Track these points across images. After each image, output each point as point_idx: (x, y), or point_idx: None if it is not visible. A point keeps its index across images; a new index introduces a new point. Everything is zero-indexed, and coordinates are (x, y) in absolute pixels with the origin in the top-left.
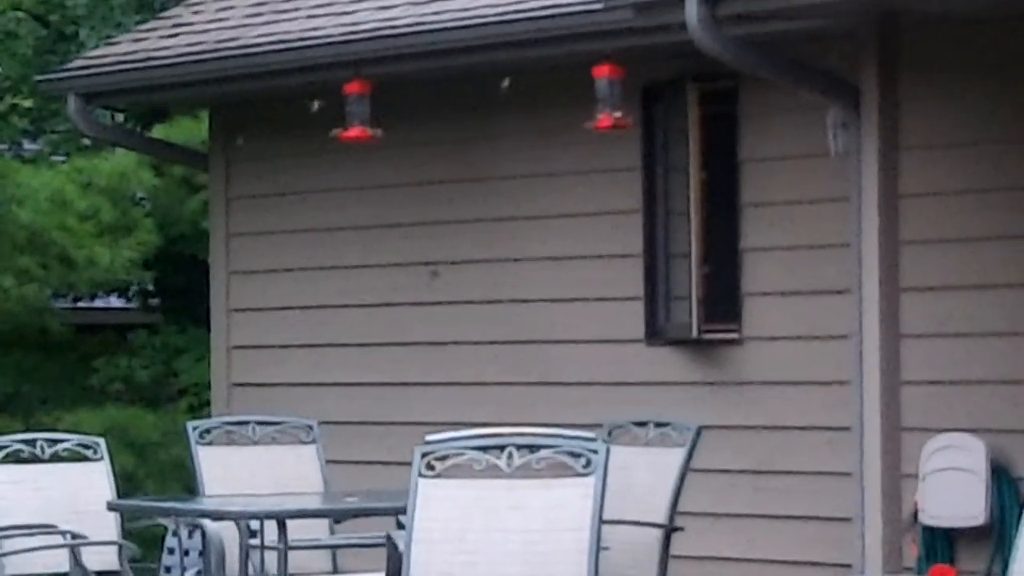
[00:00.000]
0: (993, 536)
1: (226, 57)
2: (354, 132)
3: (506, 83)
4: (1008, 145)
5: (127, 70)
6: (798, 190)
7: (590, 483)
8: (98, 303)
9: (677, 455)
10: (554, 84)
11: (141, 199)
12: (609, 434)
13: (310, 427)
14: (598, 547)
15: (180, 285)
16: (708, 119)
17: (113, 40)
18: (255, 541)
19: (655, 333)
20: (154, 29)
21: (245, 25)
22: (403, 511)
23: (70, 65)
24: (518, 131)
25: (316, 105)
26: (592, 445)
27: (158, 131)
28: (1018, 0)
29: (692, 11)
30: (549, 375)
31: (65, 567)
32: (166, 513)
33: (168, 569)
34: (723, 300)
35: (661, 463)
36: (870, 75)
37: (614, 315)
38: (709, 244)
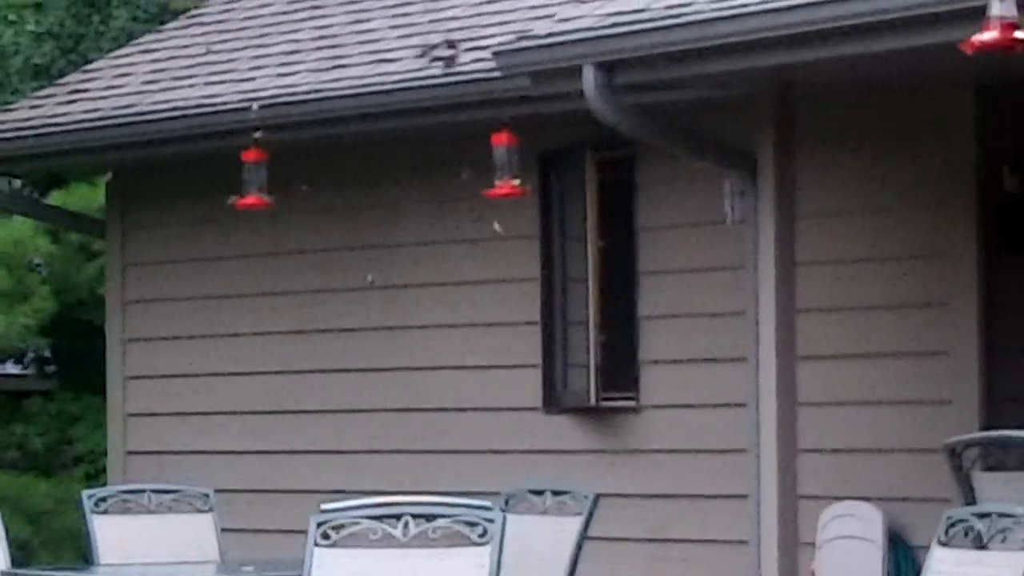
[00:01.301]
0: None
1: (123, 124)
2: (250, 200)
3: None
4: (904, 213)
5: (24, 136)
6: (695, 258)
7: (486, 552)
8: None
9: (574, 523)
10: (452, 151)
11: (37, 265)
12: (506, 502)
13: (206, 495)
14: None
15: (77, 352)
16: (606, 187)
17: (10, 107)
18: None
19: (553, 401)
20: (51, 96)
21: (142, 92)
22: None
23: None
24: (415, 198)
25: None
26: (488, 514)
27: (55, 197)
28: (910, 70)
29: (589, 80)
30: (447, 443)
31: None
32: None
33: None
34: (620, 368)
35: (558, 531)
36: (767, 144)
37: (512, 382)
38: (607, 312)
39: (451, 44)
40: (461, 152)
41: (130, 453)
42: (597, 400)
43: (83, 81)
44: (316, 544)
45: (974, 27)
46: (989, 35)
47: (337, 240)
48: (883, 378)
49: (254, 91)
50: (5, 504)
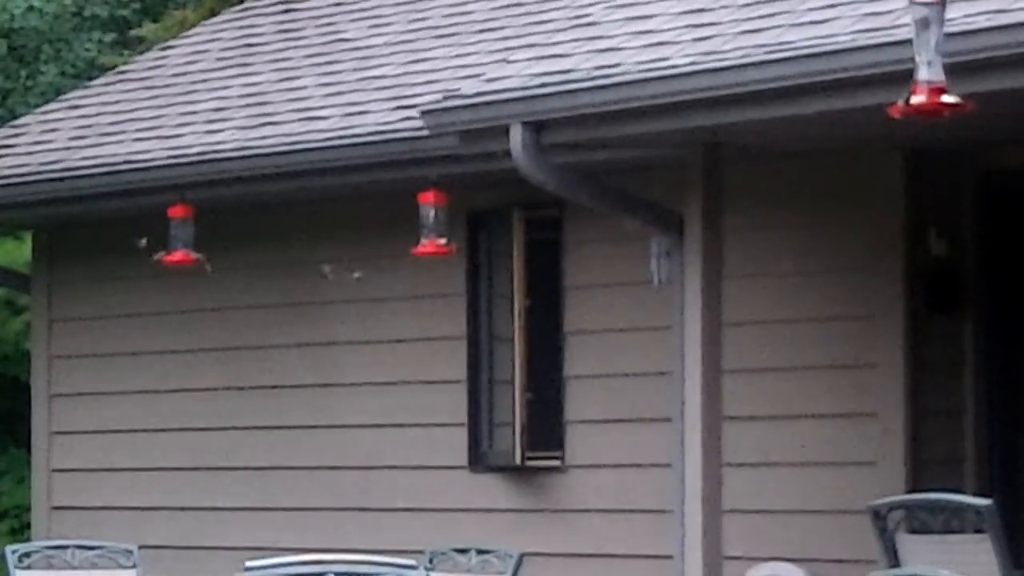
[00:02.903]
0: None
1: (50, 180)
2: (177, 256)
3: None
4: (831, 275)
5: None
6: (622, 318)
7: None
8: None
9: None
10: (379, 210)
11: None
12: (431, 561)
13: (129, 552)
14: None
15: (2, 407)
16: (533, 246)
17: None
18: None
19: (478, 460)
20: None
21: (69, 148)
22: None
23: None
24: (343, 256)
25: (144, 242)
26: (412, 573)
27: None
28: (838, 133)
29: (517, 139)
30: (372, 501)
31: None
32: None
33: None
34: (546, 427)
35: None
36: (694, 205)
37: (437, 441)
38: (533, 371)
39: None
40: (388, 210)
41: (55, 508)
42: (522, 459)
43: (10, 136)
44: None
45: (902, 91)
46: (917, 99)
47: (265, 298)
48: (809, 439)
49: (181, 148)
50: None
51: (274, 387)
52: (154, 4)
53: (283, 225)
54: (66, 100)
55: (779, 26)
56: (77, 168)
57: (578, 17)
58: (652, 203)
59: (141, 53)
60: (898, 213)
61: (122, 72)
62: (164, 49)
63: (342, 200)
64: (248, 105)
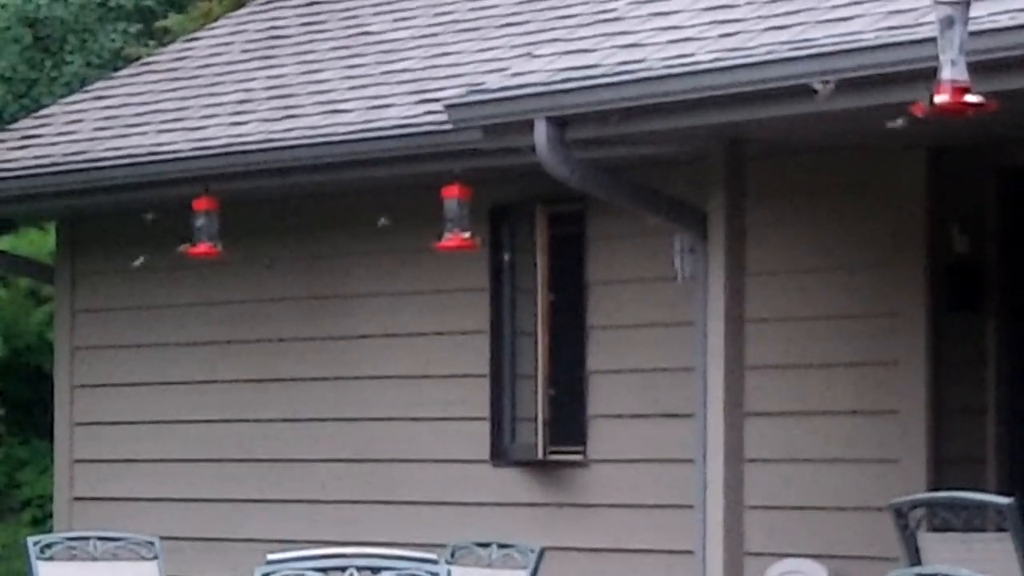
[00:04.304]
0: None
1: (74, 171)
2: (202, 248)
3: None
4: (854, 272)
5: None
6: (645, 313)
7: None
8: None
9: None
10: (402, 203)
11: None
12: (452, 555)
13: (151, 543)
14: None
15: (24, 397)
16: (556, 241)
17: None
18: None
19: (501, 454)
20: (2, 141)
21: (94, 139)
22: None
23: None
24: (366, 250)
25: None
26: (434, 567)
27: (4, 243)
28: (862, 130)
29: (541, 134)
30: (393, 494)
31: None
32: None
33: None
34: (569, 422)
35: None
36: (717, 201)
37: (460, 435)
38: (555, 366)
39: None
40: (412, 204)
41: (76, 499)
42: (545, 454)
43: (35, 127)
44: None
45: (926, 90)
46: (940, 99)
47: (288, 290)
48: (831, 436)
49: (205, 140)
50: None
51: (297, 380)
52: None
53: (306, 218)
54: (91, 91)
55: (803, 23)
56: (101, 159)
57: (602, 12)
58: (675, 199)
59: (166, 44)
60: (920, 210)
61: (147, 63)
62: (189, 41)
63: (365, 193)
64: (272, 98)
